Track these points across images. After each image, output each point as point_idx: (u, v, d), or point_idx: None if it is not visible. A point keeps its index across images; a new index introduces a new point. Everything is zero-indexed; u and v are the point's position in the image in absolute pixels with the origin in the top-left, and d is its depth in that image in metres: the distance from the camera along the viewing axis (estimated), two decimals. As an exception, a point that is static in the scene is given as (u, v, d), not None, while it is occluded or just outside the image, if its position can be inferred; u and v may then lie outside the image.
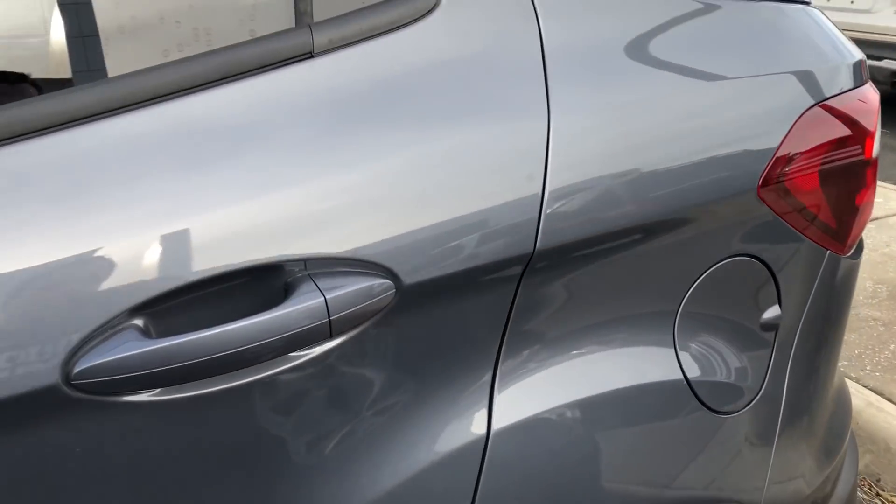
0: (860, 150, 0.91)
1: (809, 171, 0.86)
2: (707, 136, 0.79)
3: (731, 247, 0.84)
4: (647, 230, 0.76)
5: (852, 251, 1.00)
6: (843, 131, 0.89)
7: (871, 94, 0.95)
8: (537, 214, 0.69)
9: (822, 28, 0.95)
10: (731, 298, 0.87)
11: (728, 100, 0.81)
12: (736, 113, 0.82)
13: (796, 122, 0.84)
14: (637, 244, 0.77)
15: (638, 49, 0.78)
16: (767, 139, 0.83)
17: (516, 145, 0.69)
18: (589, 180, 0.72)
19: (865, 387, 2.11)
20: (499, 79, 0.70)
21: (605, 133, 0.73)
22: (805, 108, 0.85)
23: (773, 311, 0.90)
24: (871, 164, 0.94)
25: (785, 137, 0.83)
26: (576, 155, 0.71)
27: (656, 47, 0.79)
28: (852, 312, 2.47)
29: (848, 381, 2.07)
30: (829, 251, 0.94)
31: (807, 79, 0.87)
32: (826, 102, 0.87)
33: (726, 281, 0.85)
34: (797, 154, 0.85)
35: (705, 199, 0.79)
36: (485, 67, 0.70)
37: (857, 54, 0.96)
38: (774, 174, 0.83)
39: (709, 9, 0.85)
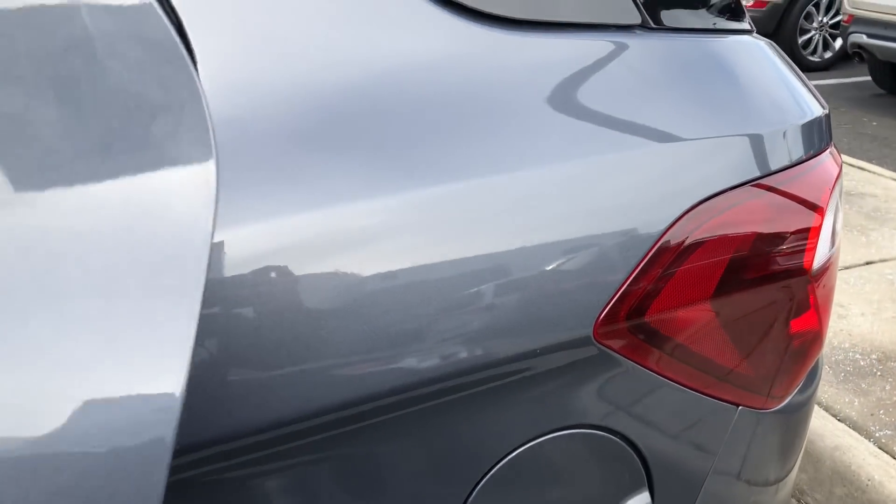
0: (798, 253, 0.65)
1: (694, 296, 0.60)
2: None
3: (558, 416, 0.58)
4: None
5: (786, 399, 0.72)
6: (768, 227, 0.62)
7: (828, 166, 0.69)
8: None
9: (771, 68, 0.71)
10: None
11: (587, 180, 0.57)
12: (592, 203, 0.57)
13: (685, 213, 0.59)
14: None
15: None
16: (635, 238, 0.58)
17: None
18: None
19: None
20: None
21: None
22: (699, 200, 0.59)
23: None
24: (814, 276, 0.67)
25: (666, 230, 0.58)
26: None
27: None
28: None
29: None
30: (741, 407, 0.68)
31: (724, 150, 0.63)
32: (757, 183, 0.63)
33: (541, 469, 0.60)
34: (680, 261, 0.58)
35: (516, 350, 0.53)
36: None
37: (818, 108, 0.71)
38: (630, 301, 0.57)
39: (615, 52, 0.62)
